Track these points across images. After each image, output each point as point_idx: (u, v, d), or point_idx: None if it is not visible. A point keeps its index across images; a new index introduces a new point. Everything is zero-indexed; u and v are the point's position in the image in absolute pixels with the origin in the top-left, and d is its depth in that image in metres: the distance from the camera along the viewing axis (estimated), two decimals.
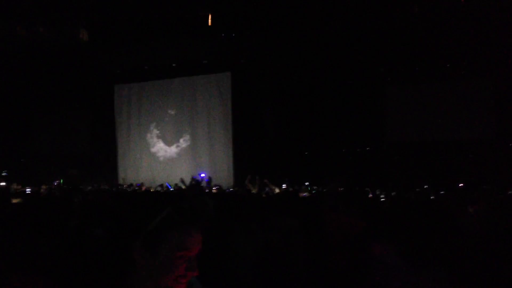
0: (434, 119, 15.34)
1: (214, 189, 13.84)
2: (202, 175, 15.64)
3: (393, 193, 9.72)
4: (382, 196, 7.96)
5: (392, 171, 14.88)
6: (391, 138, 16.05)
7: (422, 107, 15.55)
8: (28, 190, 13.68)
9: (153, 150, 19.28)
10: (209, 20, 16.87)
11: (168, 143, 19.07)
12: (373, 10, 14.60)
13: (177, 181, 14.87)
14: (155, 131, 19.28)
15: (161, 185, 15.21)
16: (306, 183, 14.04)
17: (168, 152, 19.07)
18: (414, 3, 14.11)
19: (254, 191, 12.62)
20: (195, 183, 13.55)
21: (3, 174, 13.44)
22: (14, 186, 14.51)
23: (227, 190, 15.54)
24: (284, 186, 13.47)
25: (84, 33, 17.27)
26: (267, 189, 13.17)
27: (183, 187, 13.39)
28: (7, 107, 18.43)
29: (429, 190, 11.00)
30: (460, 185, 11.23)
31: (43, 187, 14.38)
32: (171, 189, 13.32)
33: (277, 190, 12.48)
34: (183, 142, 18.81)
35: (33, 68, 18.07)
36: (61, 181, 14.94)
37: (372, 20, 14.79)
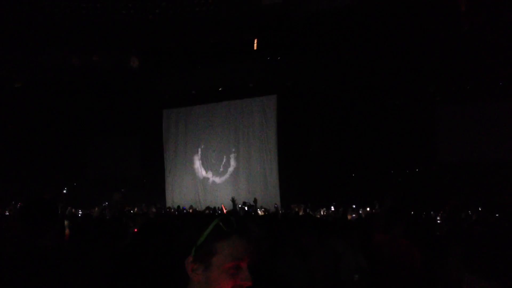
0: (485, 139, 14.83)
1: (260, 212, 13.85)
2: None
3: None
4: (438, 218, 7.68)
5: (443, 193, 14.42)
6: (442, 159, 15.60)
7: (473, 126, 15.09)
8: (80, 213, 14.14)
9: (200, 172, 19.51)
10: (255, 44, 17.12)
11: (214, 165, 19.26)
12: (421, 29, 14.42)
13: (224, 203, 14.99)
14: (202, 154, 19.54)
15: (209, 208, 15.34)
16: (353, 206, 13.79)
17: (214, 174, 19.25)
18: (463, 22, 13.84)
19: (301, 213, 12.52)
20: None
21: (64, 192, 13.99)
22: (68, 208, 14.97)
23: (275, 206, 15.58)
24: (332, 208, 13.32)
25: (135, 60, 17.88)
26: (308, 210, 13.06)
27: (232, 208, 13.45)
28: (60, 133, 19.18)
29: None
30: None
31: (95, 209, 14.79)
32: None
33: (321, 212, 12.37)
34: (229, 165, 18.95)
35: (85, 95, 18.80)
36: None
37: (420, 39, 14.59)
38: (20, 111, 18.36)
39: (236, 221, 1.56)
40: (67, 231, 5.12)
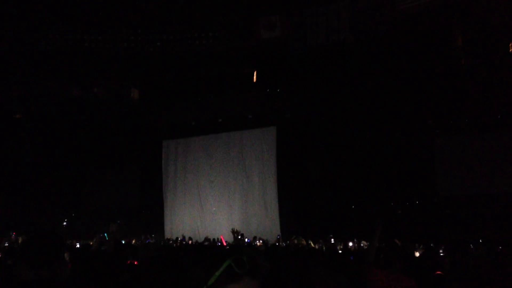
0: (485, 171, 14.80)
1: (258, 243, 13.73)
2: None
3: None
4: (441, 251, 7.60)
5: (444, 225, 14.33)
6: (442, 191, 15.55)
7: (472, 159, 15.08)
8: (77, 244, 14.00)
9: (199, 203, 19.38)
10: (254, 77, 17.32)
11: (213, 196, 19.15)
12: (419, 62, 14.62)
13: (223, 234, 14.90)
14: (201, 185, 19.44)
15: (208, 239, 15.23)
16: (355, 240, 13.64)
17: (213, 205, 19.12)
18: (460, 56, 14.06)
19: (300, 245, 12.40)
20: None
21: (64, 224, 13.87)
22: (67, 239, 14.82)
23: (278, 237, 15.44)
24: (332, 240, 13.21)
25: (135, 92, 18.03)
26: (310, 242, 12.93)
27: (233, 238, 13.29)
28: (59, 164, 19.15)
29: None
30: None
31: (93, 241, 14.64)
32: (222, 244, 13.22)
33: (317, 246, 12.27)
34: (228, 195, 18.85)
35: (85, 126, 18.86)
36: (105, 234, 15.17)
37: (419, 72, 14.77)
38: (20, 142, 18.37)
39: (248, 263, 1.50)
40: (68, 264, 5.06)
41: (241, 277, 1.46)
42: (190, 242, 15.07)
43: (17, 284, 2.81)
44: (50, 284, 2.63)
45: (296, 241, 13.20)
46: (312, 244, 12.05)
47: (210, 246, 11.35)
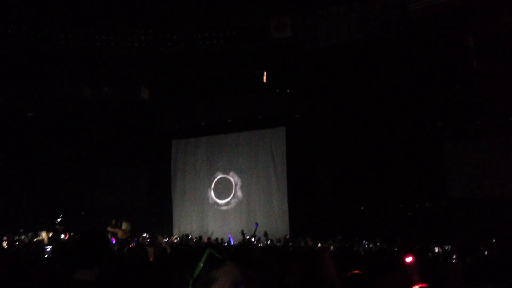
0: (495, 174, 14.71)
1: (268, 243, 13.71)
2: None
3: None
4: (454, 257, 7.50)
5: (453, 228, 14.25)
6: (451, 194, 15.46)
7: (482, 161, 14.99)
8: None
9: (208, 203, 19.42)
10: (264, 77, 17.33)
11: (223, 197, 19.18)
12: (430, 64, 14.54)
13: (232, 232, 14.96)
14: (210, 185, 19.48)
15: (216, 239, 15.26)
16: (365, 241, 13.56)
17: (222, 206, 19.15)
18: (471, 58, 13.96)
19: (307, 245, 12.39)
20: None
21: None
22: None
23: (287, 237, 15.39)
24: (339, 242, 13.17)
25: (145, 91, 18.11)
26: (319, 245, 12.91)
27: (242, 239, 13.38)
28: (69, 162, 19.27)
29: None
30: None
31: None
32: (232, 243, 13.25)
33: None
34: (237, 196, 18.87)
35: (95, 125, 18.96)
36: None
37: (429, 74, 14.69)
38: (31, 139, 18.51)
39: (226, 249, 1.56)
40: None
41: (223, 263, 1.51)
42: (206, 240, 15.02)
43: (62, 283, 2.82)
44: (94, 284, 2.63)
45: (302, 243, 13.21)
46: (320, 245, 12.03)
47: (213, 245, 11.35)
